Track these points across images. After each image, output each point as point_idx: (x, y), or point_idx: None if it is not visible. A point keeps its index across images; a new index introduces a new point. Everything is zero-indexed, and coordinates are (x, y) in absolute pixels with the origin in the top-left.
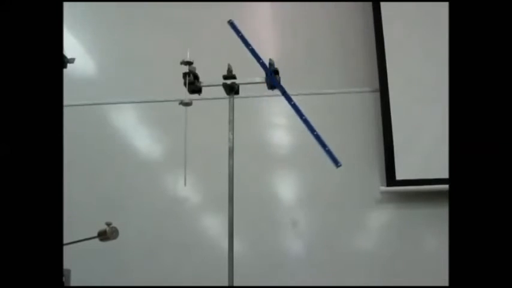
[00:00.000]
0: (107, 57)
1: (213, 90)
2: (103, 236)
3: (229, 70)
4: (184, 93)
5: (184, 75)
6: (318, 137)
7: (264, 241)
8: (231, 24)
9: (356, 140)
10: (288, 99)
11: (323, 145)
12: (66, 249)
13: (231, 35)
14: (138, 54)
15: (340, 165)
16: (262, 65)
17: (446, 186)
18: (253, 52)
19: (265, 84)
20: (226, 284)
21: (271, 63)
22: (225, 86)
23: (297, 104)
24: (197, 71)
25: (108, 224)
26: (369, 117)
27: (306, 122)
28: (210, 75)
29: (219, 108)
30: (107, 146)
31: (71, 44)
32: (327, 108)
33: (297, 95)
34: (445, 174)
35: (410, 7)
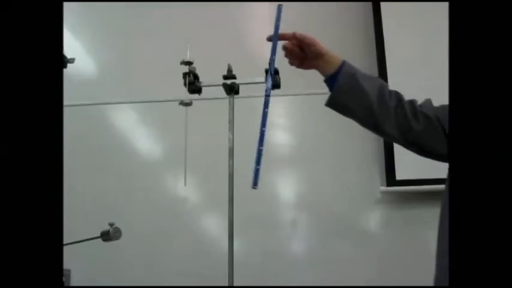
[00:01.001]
0: (107, 57)
1: (213, 90)
2: (106, 236)
3: (229, 70)
4: (184, 93)
5: (184, 75)
6: (259, 152)
7: (264, 241)
8: (279, 9)
9: (356, 140)
10: (265, 104)
11: (257, 162)
12: (66, 249)
13: (231, 35)
14: (138, 54)
15: (255, 188)
16: (272, 61)
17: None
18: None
19: (265, 85)
20: (227, 284)
21: (270, 63)
22: (225, 86)
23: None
24: (197, 71)
25: (111, 225)
26: None
27: (262, 133)
28: (210, 75)
29: (219, 108)
30: (106, 146)
31: (71, 44)
32: (327, 108)
33: (297, 95)
34: (445, 174)
35: (411, 7)
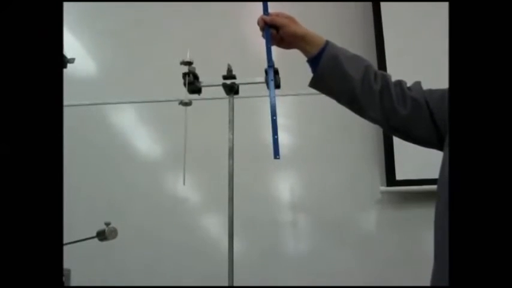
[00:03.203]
0: (107, 57)
1: (212, 90)
2: (102, 236)
3: (229, 70)
4: (184, 93)
5: (184, 75)
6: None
7: (264, 241)
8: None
9: (356, 140)
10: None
11: (274, 132)
12: (66, 249)
13: (231, 35)
14: (138, 54)
15: (278, 158)
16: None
17: None
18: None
19: (265, 84)
20: (226, 284)
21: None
22: (224, 86)
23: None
24: (197, 71)
25: (107, 224)
26: None
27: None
28: (210, 75)
29: (219, 108)
30: (106, 146)
31: (71, 44)
32: (327, 108)
33: (297, 95)
34: None
35: (411, 7)
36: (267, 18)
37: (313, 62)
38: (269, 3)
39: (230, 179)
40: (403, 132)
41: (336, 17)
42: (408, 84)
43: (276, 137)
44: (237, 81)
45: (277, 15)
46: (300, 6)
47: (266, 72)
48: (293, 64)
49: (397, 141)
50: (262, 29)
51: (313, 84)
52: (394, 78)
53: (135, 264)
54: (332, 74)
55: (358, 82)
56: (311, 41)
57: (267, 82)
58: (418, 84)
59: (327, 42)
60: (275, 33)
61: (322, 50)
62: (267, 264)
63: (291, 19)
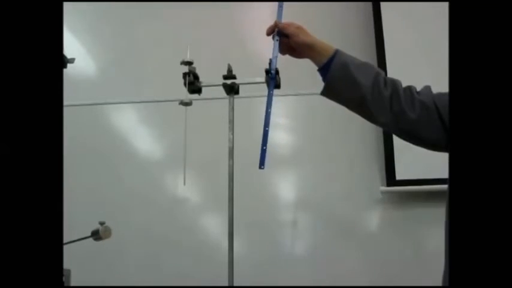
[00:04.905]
0: (107, 57)
1: (213, 90)
2: (96, 235)
3: (229, 70)
4: (184, 93)
5: (184, 75)
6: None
7: (264, 241)
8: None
9: (356, 140)
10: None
11: (264, 143)
12: (66, 249)
13: (231, 35)
14: (138, 54)
15: (262, 168)
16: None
17: (446, 186)
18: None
19: (265, 84)
20: (226, 284)
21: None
22: (225, 86)
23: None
24: (197, 71)
25: (102, 223)
26: None
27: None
28: (210, 75)
29: (219, 108)
30: (106, 146)
31: (71, 44)
32: (327, 108)
33: (297, 95)
34: (445, 174)
35: (411, 7)
36: (280, 24)
37: (323, 70)
38: (269, 4)
39: (230, 179)
40: (412, 135)
41: (336, 17)
42: (418, 89)
43: (264, 148)
44: (237, 81)
45: (288, 24)
46: (300, 6)
47: (266, 72)
48: (293, 64)
49: (397, 142)
50: (269, 33)
51: (325, 92)
52: (394, 80)
53: (135, 264)
54: (342, 82)
55: (368, 89)
56: (320, 49)
57: (267, 82)
58: (427, 88)
59: (336, 51)
60: (286, 41)
61: (332, 59)
62: (267, 264)
63: (300, 29)
